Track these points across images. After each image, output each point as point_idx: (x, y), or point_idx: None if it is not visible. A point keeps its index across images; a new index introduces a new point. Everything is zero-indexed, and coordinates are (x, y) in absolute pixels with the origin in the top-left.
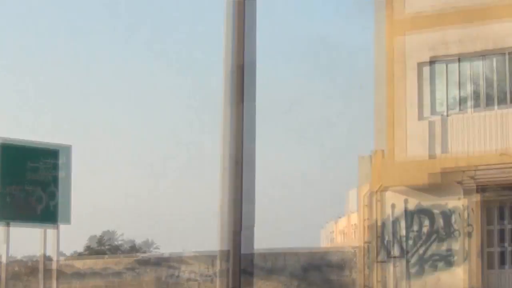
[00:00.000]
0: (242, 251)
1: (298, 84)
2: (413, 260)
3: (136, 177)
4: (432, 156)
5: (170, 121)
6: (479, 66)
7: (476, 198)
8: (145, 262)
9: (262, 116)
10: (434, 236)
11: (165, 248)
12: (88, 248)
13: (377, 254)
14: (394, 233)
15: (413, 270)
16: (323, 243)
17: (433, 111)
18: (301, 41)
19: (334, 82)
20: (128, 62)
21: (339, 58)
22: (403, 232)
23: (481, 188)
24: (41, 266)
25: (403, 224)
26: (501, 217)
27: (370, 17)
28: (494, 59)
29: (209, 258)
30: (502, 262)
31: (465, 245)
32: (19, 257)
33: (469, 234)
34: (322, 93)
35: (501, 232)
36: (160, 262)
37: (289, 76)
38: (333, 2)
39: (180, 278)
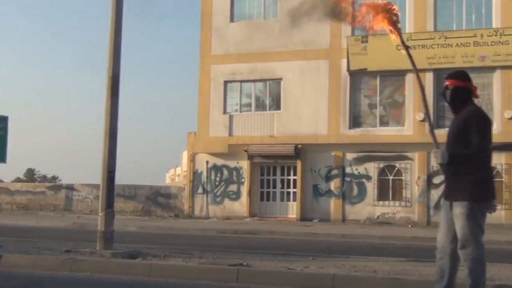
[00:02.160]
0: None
1: None
2: (215, 194)
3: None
4: (228, 136)
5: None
6: (257, 85)
7: (250, 161)
8: (56, 187)
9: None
10: (228, 181)
11: (65, 180)
12: (19, 178)
13: (194, 190)
14: (205, 179)
15: (214, 200)
16: (167, 182)
17: (230, 109)
18: None
19: None
20: None
21: None
22: (209, 178)
23: (254, 156)
24: None
25: (208, 173)
26: (265, 173)
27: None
28: (264, 83)
29: (90, 187)
30: (265, 198)
31: (244, 187)
32: None
33: (245, 182)
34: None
35: (265, 180)
36: (63, 187)
37: None
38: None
39: (75, 197)
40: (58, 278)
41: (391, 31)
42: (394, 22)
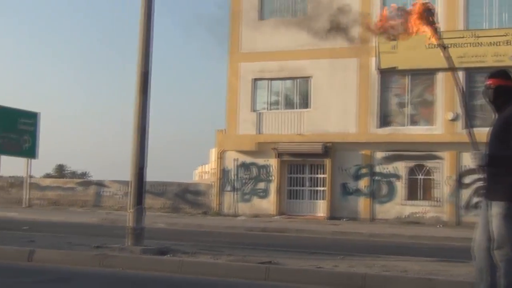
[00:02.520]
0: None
1: None
2: (243, 192)
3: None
4: (256, 133)
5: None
6: (286, 84)
7: (279, 159)
8: (86, 183)
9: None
10: (257, 179)
11: (95, 176)
12: (48, 174)
13: (222, 187)
14: (233, 176)
15: (243, 197)
16: (195, 179)
17: (258, 107)
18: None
19: None
20: None
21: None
22: (237, 176)
23: (283, 154)
24: (26, 181)
25: (237, 171)
26: (294, 171)
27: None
28: (293, 81)
29: (120, 184)
30: (293, 196)
31: (272, 185)
32: (6, 176)
33: (274, 180)
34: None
35: (294, 179)
36: (93, 183)
37: None
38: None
39: (105, 193)
40: (89, 273)
41: (432, 32)
42: (432, 22)
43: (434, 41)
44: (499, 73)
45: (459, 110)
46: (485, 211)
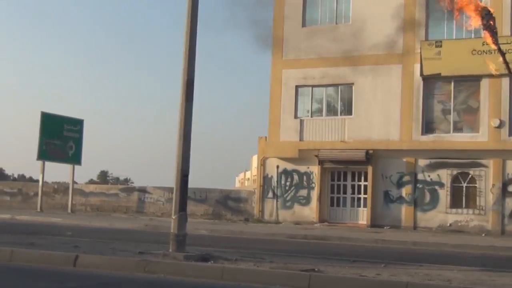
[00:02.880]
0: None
1: None
2: (284, 199)
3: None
4: (298, 140)
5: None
6: (328, 91)
7: (321, 166)
8: (128, 189)
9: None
10: (298, 186)
11: (137, 182)
12: (92, 180)
13: (264, 194)
14: (275, 183)
15: (284, 204)
16: (236, 185)
17: (301, 114)
18: None
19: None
20: None
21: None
22: (279, 183)
23: (325, 161)
24: (71, 187)
25: (279, 178)
26: (336, 178)
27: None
28: (335, 88)
29: (162, 190)
30: (335, 203)
31: (314, 192)
32: (50, 182)
33: (316, 187)
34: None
35: (336, 186)
36: (136, 190)
37: None
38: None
39: (148, 199)
40: (132, 279)
41: (491, 35)
42: (491, 27)
43: (491, 44)
44: None
45: (504, 117)
46: None
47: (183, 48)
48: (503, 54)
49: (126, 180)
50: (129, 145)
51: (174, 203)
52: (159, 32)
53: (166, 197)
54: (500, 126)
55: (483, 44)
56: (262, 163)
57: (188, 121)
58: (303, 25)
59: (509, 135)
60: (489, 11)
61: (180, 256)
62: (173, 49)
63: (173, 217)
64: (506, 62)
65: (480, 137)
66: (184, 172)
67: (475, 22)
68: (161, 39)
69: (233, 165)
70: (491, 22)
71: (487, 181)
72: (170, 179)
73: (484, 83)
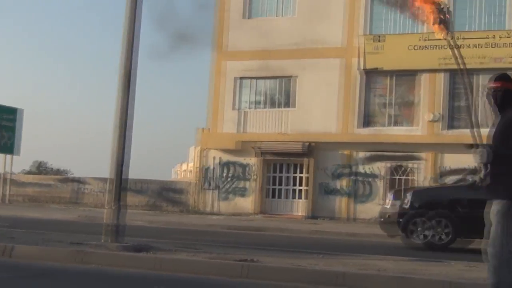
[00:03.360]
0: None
1: None
2: (223, 190)
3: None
4: (238, 132)
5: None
6: (269, 83)
7: (261, 158)
8: (65, 180)
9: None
10: (238, 178)
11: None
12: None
13: (202, 185)
14: (214, 175)
15: (223, 196)
16: (173, 177)
17: (242, 106)
18: None
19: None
20: None
21: None
22: (218, 174)
23: (265, 153)
24: (6, 178)
25: (218, 170)
26: (275, 170)
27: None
28: (276, 80)
29: (101, 181)
30: (274, 195)
31: (253, 184)
32: None
33: (255, 179)
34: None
35: (275, 178)
36: (73, 180)
37: None
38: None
39: (85, 190)
40: (67, 270)
41: (443, 30)
42: (444, 21)
43: (441, 37)
44: (505, 76)
45: (441, 111)
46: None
47: (122, 37)
48: (457, 47)
49: (64, 171)
50: (69, 136)
51: (110, 193)
52: (101, 19)
53: (104, 188)
54: (436, 120)
55: (420, 40)
56: (202, 155)
57: (126, 111)
58: (246, 16)
59: (445, 129)
60: (443, 5)
61: (115, 247)
62: (114, 39)
63: (109, 208)
64: (460, 56)
65: (416, 130)
66: (121, 162)
67: (429, 16)
68: (101, 28)
69: (170, 156)
70: (447, 16)
71: (422, 173)
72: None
73: (422, 78)
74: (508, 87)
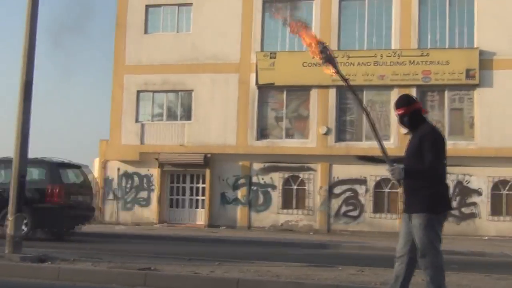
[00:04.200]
0: None
1: None
2: (127, 200)
3: None
4: (139, 144)
5: None
6: (169, 96)
7: (161, 169)
8: None
9: None
10: (139, 188)
11: None
12: None
13: (107, 196)
14: (118, 185)
15: (127, 206)
16: None
17: (142, 118)
18: None
19: None
20: None
21: None
22: (120, 185)
23: (165, 164)
24: None
25: (119, 180)
26: (176, 181)
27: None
28: (176, 94)
29: None
30: (175, 205)
31: (154, 194)
32: None
33: (155, 189)
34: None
35: (176, 188)
36: None
37: None
38: None
39: None
40: None
41: (333, 68)
42: (331, 59)
43: (332, 74)
44: (407, 100)
45: (331, 125)
46: (406, 222)
47: (22, 47)
48: (346, 80)
49: None
50: None
51: (11, 204)
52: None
53: None
54: (327, 133)
55: (313, 57)
56: (103, 166)
57: (26, 121)
58: (145, 31)
59: (335, 141)
60: (325, 45)
61: (16, 258)
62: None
63: (10, 218)
64: (350, 86)
65: (309, 143)
66: (21, 173)
67: (314, 54)
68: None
69: None
70: (329, 53)
71: (315, 183)
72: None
73: (313, 93)
74: (414, 109)
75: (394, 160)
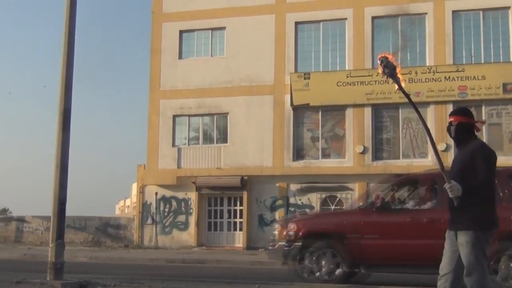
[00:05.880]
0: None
1: None
2: (163, 224)
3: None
4: (176, 168)
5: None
6: (204, 120)
7: (198, 192)
8: (6, 219)
9: None
10: (177, 212)
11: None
12: None
13: (143, 220)
14: (156, 209)
15: (165, 230)
16: (117, 213)
17: (178, 143)
18: None
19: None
20: None
21: None
22: (157, 209)
23: (202, 187)
24: None
25: (157, 204)
26: (214, 204)
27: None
28: (211, 117)
29: (41, 219)
30: (212, 228)
31: (192, 218)
32: None
33: (193, 213)
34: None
35: (213, 211)
36: (14, 219)
37: None
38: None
39: (26, 228)
40: None
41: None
42: (393, 75)
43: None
44: (460, 111)
45: (367, 143)
46: (451, 240)
47: (59, 76)
48: (407, 96)
49: (5, 210)
50: (7, 175)
51: (52, 231)
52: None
53: (45, 226)
54: (364, 152)
55: (347, 77)
56: (141, 190)
57: (65, 150)
58: (180, 56)
59: (372, 160)
60: (387, 60)
61: (58, 284)
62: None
63: (51, 245)
64: (411, 102)
65: (346, 162)
66: (61, 200)
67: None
68: (39, 64)
69: (113, 193)
70: (396, 68)
71: (353, 203)
72: (50, 209)
73: (349, 112)
74: (462, 121)
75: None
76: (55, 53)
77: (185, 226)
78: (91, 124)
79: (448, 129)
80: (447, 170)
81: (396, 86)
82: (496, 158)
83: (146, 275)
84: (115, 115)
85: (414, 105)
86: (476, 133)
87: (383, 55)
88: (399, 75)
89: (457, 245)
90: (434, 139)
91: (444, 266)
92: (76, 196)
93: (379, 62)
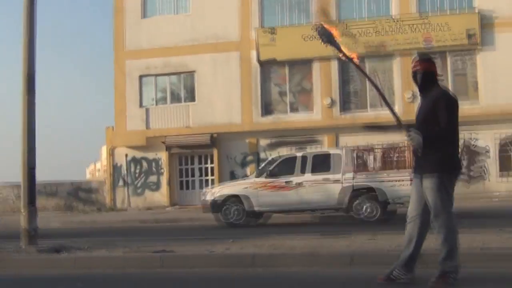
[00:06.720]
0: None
1: None
2: (137, 186)
3: None
4: (145, 129)
5: None
6: (171, 79)
7: (168, 152)
8: None
9: None
10: (148, 173)
11: None
12: None
13: (116, 183)
14: (127, 171)
15: (137, 191)
16: (87, 177)
17: (146, 103)
18: None
19: None
20: None
21: None
22: (130, 171)
23: (172, 147)
24: None
25: (128, 166)
26: (185, 163)
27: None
28: (178, 76)
29: (11, 187)
30: (185, 187)
31: (165, 178)
32: None
33: (164, 173)
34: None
35: (185, 170)
36: None
37: None
38: None
39: None
40: None
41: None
42: (332, 41)
43: (342, 57)
44: (427, 58)
45: (335, 96)
46: (417, 184)
47: (22, 40)
48: (351, 60)
49: None
50: None
51: (23, 197)
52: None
53: (16, 194)
54: (332, 104)
55: (313, 30)
56: (111, 153)
57: (31, 114)
58: (144, 15)
59: (340, 112)
60: (323, 28)
61: (32, 250)
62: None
63: (23, 212)
64: (353, 63)
65: (314, 115)
66: (30, 165)
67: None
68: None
69: (83, 156)
70: (329, 33)
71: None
72: (19, 175)
73: (316, 66)
74: (426, 68)
75: (407, 126)
76: (16, 16)
77: (157, 186)
78: (57, 87)
79: (414, 77)
80: (406, 123)
81: (338, 52)
82: (457, 104)
83: (121, 237)
84: (81, 78)
85: (359, 67)
86: (441, 81)
87: (318, 24)
88: (337, 40)
89: (422, 189)
90: (401, 89)
91: (412, 210)
92: (46, 161)
93: (317, 32)
